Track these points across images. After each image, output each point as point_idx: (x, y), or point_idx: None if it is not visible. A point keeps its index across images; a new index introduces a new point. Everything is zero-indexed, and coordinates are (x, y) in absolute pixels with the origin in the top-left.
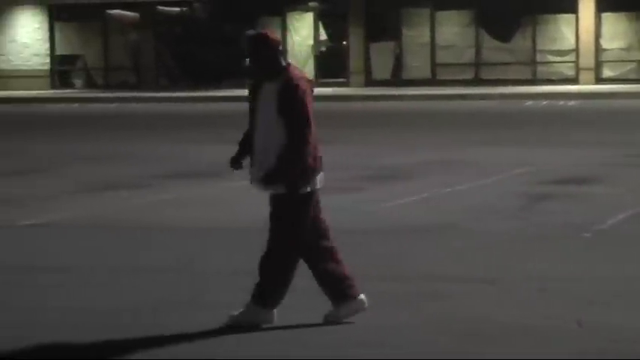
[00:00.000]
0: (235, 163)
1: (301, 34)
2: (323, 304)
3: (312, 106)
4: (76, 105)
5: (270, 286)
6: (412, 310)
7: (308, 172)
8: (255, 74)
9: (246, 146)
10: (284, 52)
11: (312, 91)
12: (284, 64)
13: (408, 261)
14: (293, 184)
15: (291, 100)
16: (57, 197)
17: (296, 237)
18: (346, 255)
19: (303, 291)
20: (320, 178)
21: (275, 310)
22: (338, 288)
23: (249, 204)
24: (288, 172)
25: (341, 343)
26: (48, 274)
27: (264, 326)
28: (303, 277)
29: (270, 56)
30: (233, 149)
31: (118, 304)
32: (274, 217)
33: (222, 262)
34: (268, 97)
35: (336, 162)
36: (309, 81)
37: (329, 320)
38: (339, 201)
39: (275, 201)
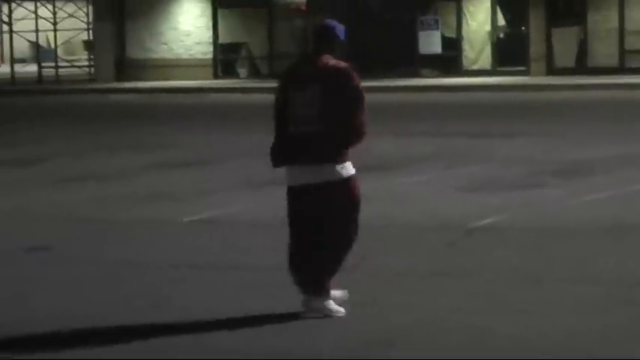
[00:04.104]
0: None
1: (478, 20)
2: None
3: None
4: (239, 95)
5: None
6: (602, 315)
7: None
8: None
9: None
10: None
11: (287, 80)
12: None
13: (596, 263)
14: None
15: None
16: (220, 192)
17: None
18: (529, 255)
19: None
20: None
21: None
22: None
23: (429, 200)
24: None
25: (528, 350)
26: (209, 272)
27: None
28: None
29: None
30: (402, 142)
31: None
32: None
33: (392, 261)
34: None
35: (516, 156)
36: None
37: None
38: (522, 197)
39: None
